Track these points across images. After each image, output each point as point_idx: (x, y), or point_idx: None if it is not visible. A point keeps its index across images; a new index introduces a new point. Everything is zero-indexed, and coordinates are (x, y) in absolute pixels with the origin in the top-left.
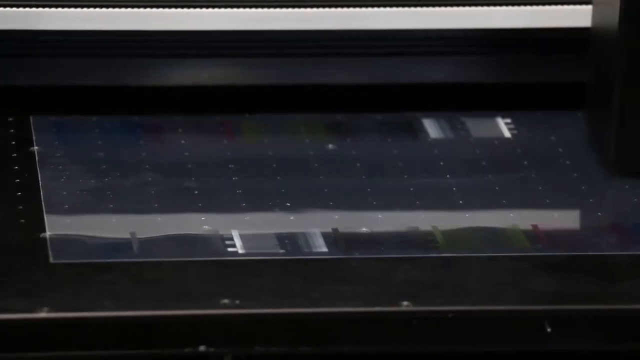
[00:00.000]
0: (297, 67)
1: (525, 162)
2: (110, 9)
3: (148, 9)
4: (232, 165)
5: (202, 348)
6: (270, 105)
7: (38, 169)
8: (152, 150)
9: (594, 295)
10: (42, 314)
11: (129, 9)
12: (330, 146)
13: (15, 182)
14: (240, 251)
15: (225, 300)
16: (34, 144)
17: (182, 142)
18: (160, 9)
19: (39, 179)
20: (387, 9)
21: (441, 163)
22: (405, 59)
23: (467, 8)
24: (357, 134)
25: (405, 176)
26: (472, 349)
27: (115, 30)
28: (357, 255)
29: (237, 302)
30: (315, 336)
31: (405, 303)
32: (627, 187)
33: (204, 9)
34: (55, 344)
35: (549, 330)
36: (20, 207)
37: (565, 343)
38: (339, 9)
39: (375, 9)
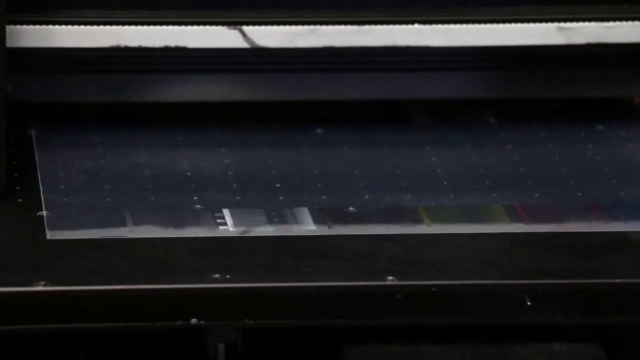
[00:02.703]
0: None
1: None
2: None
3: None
4: (224, 149)
5: (193, 321)
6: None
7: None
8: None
9: (571, 270)
10: (39, 288)
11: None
12: (319, 130)
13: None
14: (230, 229)
15: (216, 275)
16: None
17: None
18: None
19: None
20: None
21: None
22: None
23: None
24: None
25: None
26: (454, 322)
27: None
28: (344, 233)
29: (228, 276)
30: (303, 310)
31: (390, 278)
32: (605, 168)
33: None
34: (50, 316)
35: (529, 303)
36: (18, 187)
37: (544, 316)
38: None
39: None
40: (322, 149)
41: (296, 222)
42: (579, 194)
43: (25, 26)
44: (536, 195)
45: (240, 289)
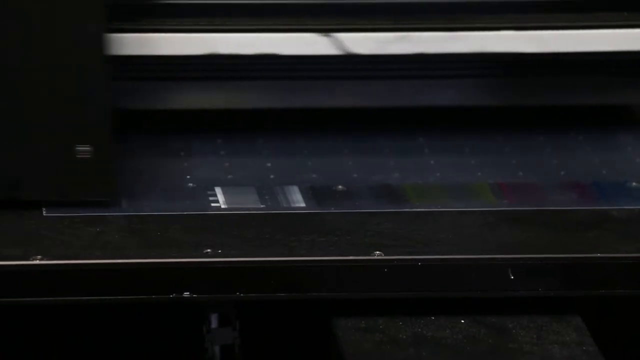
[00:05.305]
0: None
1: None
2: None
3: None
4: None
5: (186, 294)
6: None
7: None
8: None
9: (554, 245)
10: (35, 262)
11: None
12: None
13: None
14: (222, 206)
15: (208, 250)
16: None
17: None
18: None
19: None
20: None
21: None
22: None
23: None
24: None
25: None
26: (440, 295)
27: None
28: (333, 210)
29: (220, 251)
30: (292, 283)
31: (377, 252)
32: (589, 148)
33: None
34: (46, 290)
35: (512, 277)
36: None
37: (527, 289)
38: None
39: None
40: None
41: (287, 200)
42: (562, 172)
43: (124, 34)
44: (520, 174)
45: (232, 263)
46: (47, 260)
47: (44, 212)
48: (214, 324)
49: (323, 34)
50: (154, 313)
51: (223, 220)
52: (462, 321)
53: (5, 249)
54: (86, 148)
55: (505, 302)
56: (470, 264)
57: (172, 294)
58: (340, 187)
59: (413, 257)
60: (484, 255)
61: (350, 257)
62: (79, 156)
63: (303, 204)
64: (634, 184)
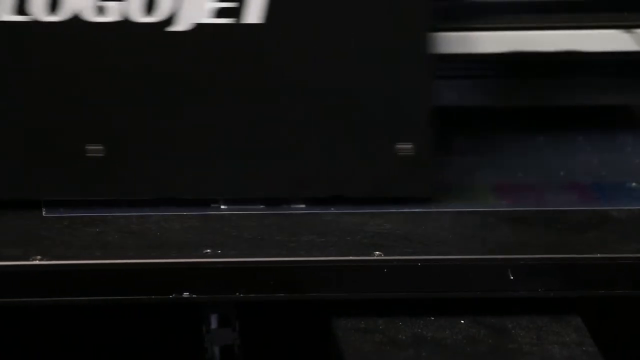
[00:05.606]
0: None
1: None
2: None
3: None
4: None
5: (186, 294)
6: None
7: None
8: None
9: (553, 245)
10: (35, 262)
11: None
12: None
13: None
14: (222, 206)
15: (208, 250)
16: None
17: None
18: None
19: None
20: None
21: None
22: None
23: None
24: None
25: None
26: (439, 296)
27: None
28: (333, 210)
29: (219, 251)
30: (292, 283)
31: (377, 253)
32: (589, 148)
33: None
34: (46, 290)
35: (511, 277)
36: None
37: (526, 289)
38: None
39: None
40: None
41: (286, 200)
42: (562, 172)
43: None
44: (520, 174)
45: (231, 263)
46: (47, 260)
47: (44, 212)
48: (213, 324)
49: (625, 30)
50: (153, 313)
51: (223, 220)
52: (462, 322)
53: (5, 249)
54: (407, 146)
55: (505, 303)
56: (470, 264)
57: (171, 294)
58: None
59: (413, 258)
60: (484, 255)
61: (350, 258)
62: (400, 154)
63: (303, 204)
64: (633, 184)
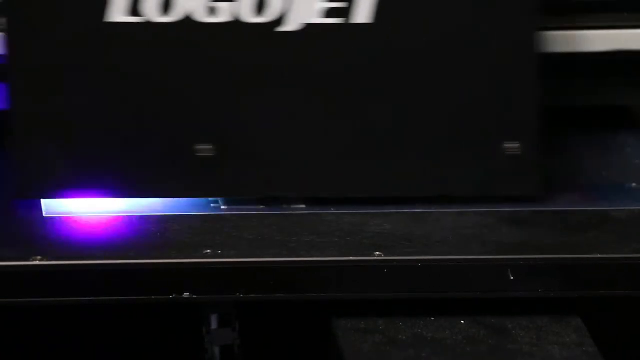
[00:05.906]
0: None
1: None
2: None
3: None
4: None
5: (186, 295)
6: None
7: None
8: None
9: (553, 246)
10: (35, 262)
11: None
12: None
13: None
14: (222, 207)
15: (208, 250)
16: None
17: None
18: None
19: None
20: None
21: None
22: None
23: None
24: None
25: None
26: (440, 296)
27: None
28: (333, 210)
29: (219, 252)
30: (292, 284)
31: (377, 253)
32: (589, 148)
33: None
34: (46, 290)
35: (511, 278)
36: None
37: (526, 290)
38: None
39: None
40: None
41: (286, 201)
42: (562, 172)
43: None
44: None
45: (232, 264)
46: (47, 260)
47: (44, 212)
48: (213, 324)
49: None
50: (153, 313)
51: (223, 220)
52: (462, 322)
53: (5, 249)
54: (515, 145)
55: (505, 303)
56: (470, 265)
57: (171, 295)
58: None
59: (413, 258)
60: (484, 255)
61: (350, 258)
62: (507, 153)
63: (303, 204)
64: (633, 184)
